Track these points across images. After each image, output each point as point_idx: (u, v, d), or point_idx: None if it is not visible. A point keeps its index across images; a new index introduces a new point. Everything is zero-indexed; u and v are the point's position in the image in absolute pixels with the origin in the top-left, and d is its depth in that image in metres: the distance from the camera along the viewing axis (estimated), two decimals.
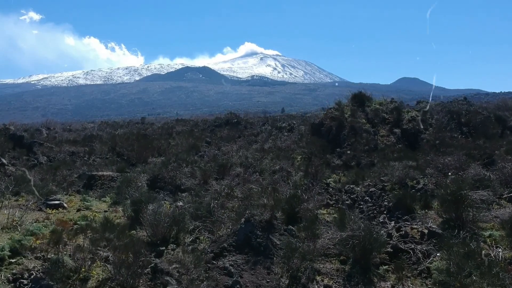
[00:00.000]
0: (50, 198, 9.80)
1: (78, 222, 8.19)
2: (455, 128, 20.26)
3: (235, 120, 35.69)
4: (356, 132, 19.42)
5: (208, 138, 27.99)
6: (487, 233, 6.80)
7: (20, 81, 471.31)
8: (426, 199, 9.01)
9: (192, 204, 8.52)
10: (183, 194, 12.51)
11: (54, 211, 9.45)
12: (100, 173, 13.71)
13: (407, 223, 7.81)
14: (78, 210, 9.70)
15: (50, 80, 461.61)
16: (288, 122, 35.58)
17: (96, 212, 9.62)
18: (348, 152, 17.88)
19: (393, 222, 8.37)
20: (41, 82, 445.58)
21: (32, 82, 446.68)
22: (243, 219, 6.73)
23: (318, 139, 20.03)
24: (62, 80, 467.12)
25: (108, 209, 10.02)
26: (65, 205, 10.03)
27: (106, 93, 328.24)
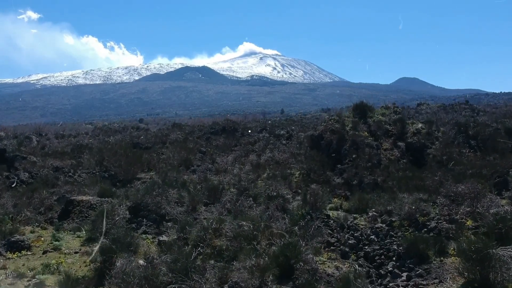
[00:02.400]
0: (13, 239, 8.62)
1: (37, 276, 7.03)
2: (463, 141, 19.11)
3: (232, 127, 34.57)
4: (358, 146, 18.27)
5: (203, 147, 26.84)
6: None
7: (19, 80, 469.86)
8: (441, 243, 7.85)
9: (170, 255, 7.35)
10: (168, 223, 11.40)
11: (16, 254, 8.29)
12: (80, 197, 12.54)
13: (422, 281, 6.65)
14: (45, 252, 8.53)
15: (49, 80, 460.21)
16: (286, 129, 34.45)
17: (64, 254, 8.46)
18: (350, 169, 16.73)
19: (404, 274, 7.22)
20: (40, 82, 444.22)
21: (31, 82, 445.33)
22: (226, 287, 5.57)
23: (318, 154, 18.87)
24: (61, 79, 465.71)
25: (80, 249, 8.86)
26: (31, 244, 8.87)
27: (106, 93, 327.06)
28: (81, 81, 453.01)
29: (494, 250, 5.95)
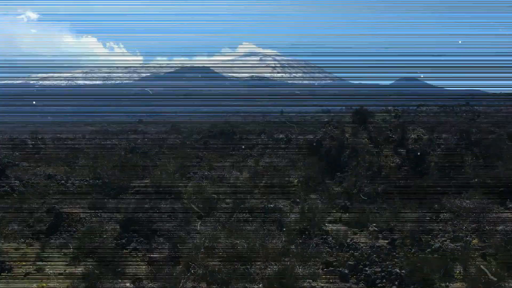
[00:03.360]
0: None
1: None
2: (465, 148, 18.63)
3: (231, 130, 34.12)
4: (358, 154, 17.82)
5: (200, 152, 26.35)
6: None
7: (19, 80, 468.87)
8: (446, 266, 7.41)
9: (158, 282, 6.90)
10: (160, 239, 10.94)
11: None
12: (69, 210, 12.12)
13: None
14: (27, 274, 8.08)
15: (49, 80, 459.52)
16: (285, 133, 33.95)
17: (48, 276, 8.01)
18: (349, 177, 16.28)
19: None
20: (40, 82, 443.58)
21: (31, 82, 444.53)
22: None
23: (317, 161, 18.41)
24: (61, 79, 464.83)
25: (65, 270, 8.41)
26: (14, 264, 8.43)
27: (105, 93, 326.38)
28: (80, 81, 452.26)
29: (506, 284, 5.51)
